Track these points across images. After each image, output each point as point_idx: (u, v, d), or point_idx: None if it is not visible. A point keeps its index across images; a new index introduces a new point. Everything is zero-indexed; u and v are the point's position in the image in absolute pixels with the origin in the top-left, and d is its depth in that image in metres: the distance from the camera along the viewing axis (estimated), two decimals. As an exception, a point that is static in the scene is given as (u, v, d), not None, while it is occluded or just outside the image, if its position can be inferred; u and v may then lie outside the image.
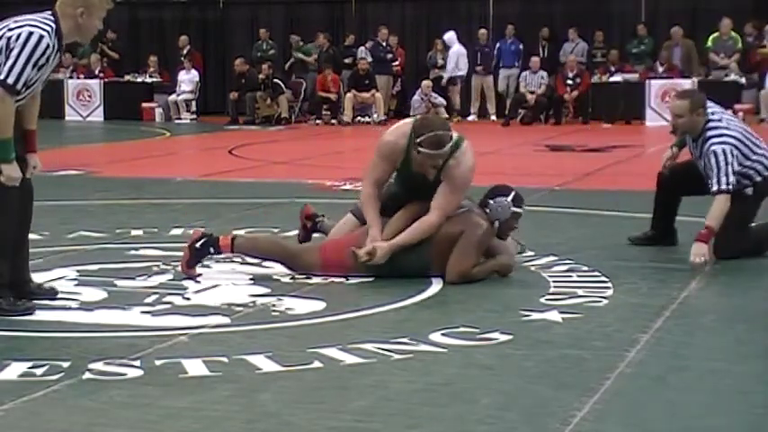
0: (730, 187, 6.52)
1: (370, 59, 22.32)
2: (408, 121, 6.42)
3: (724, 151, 6.55)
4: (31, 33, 5.23)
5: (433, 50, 22.88)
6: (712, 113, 6.76)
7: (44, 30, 5.26)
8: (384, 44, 22.65)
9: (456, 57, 22.06)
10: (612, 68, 21.52)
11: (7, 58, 5.21)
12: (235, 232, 7.64)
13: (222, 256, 6.45)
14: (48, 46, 5.25)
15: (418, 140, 6.11)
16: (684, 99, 6.82)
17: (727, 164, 6.53)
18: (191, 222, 8.33)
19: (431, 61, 22.77)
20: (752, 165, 6.69)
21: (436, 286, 6.08)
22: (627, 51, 21.85)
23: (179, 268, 6.34)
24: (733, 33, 20.45)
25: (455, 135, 6.24)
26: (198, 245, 6.25)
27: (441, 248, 6.13)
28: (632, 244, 7.17)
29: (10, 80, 5.19)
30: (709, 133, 6.64)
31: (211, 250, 6.28)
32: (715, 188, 6.54)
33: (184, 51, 23.66)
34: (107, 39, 24.20)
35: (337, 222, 6.76)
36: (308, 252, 6.38)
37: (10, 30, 5.27)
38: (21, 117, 5.46)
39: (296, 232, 7.80)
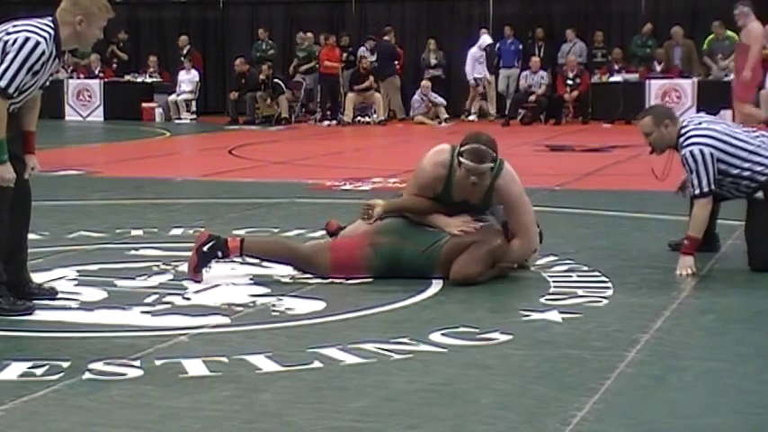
0: (706, 189, 6.36)
1: (372, 59, 22.35)
2: (446, 147, 6.33)
3: (692, 153, 6.37)
4: (27, 39, 5.23)
5: (426, 51, 22.89)
6: (690, 120, 6.63)
7: (42, 36, 5.26)
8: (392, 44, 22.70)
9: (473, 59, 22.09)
10: (617, 67, 21.52)
11: (2, 62, 5.22)
12: (235, 232, 7.66)
13: (229, 259, 6.37)
14: (44, 52, 5.25)
15: (461, 149, 6.13)
16: (646, 116, 6.68)
17: (697, 165, 6.35)
18: (191, 222, 8.33)
19: (424, 62, 22.80)
20: (749, 166, 6.45)
21: (436, 286, 6.07)
22: (631, 53, 21.82)
23: (184, 269, 6.29)
24: (729, 33, 20.43)
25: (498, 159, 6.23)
26: (205, 248, 6.15)
27: (451, 255, 6.11)
28: (672, 250, 6.91)
29: (2, 83, 5.19)
30: (681, 139, 6.48)
31: (219, 254, 6.16)
32: (693, 192, 6.44)
33: (184, 51, 23.66)
34: (118, 39, 24.20)
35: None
36: (318, 253, 6.27)
37: (8, 34, 5.28)
38: (20, 118, 5.46)
39: (296, 232, 7.82)
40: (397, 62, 22.73)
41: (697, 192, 6.41)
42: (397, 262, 6.16)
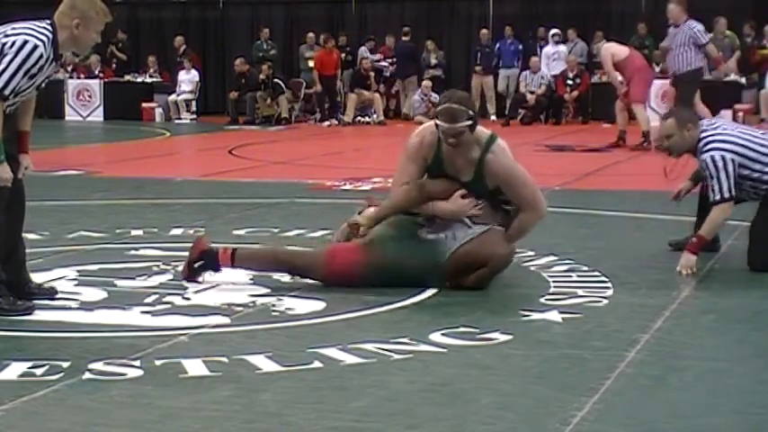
0: (726, 195, 6.35)
1: (373, 59, 22.39)
2: (430, 123, 6.12)
3: (713, 158, 6.36)
4: (25, 42, 5.22)
5: (426, 51, 22.90)
6: (709, 123, 6.63)
7: (40, 39, 5.25)
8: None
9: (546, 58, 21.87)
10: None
11: None
12: (235, 232, 7.65)
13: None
14: (41, 56, 5.24)
15: (436, 110, 5.98)
16: (670, 117, 6.65)
17: (718, 170, 6.35)
18: (191, 222, 8.33)
19: (424, 62, 22.82)
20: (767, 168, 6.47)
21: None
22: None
23: (179, 269, 6.29)
24: (728, 32, 20.42)
25: (488, 132, 6.05)
26: (196, 266, 6.03)
27: (458, 265, 5.92)
28: (673, 249, 6.93)
29: None
30: (702, 143, 6.47)
31: (210, 273, 6.03)
32: (713, 198, 6.40)
33: (181, 51, 23.66)
34: (117, 39, 24.19)
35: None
36: (312, 264, 6.05)
37: (6, 36, 5.27)
38: (15, 119, 5.46)
39: (296, 232, 7.82)
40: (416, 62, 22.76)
41: (718, 197, 6.38)
42: (398, 278, 5.91)
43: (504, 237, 6.04)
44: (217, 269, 6.04)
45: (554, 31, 21.88)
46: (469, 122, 5.90)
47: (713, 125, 6.62)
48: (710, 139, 6.46)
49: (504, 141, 6.14)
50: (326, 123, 21.53)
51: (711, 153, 6.40)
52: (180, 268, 6.30)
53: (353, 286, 5.91)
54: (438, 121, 5.92)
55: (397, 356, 4.68)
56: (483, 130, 6.06)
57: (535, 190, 6.05)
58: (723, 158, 6.37)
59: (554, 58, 21.74)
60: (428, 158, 6.07)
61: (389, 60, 23.02)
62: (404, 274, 5.92)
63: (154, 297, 5.83)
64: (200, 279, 6.06)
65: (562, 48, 21.79)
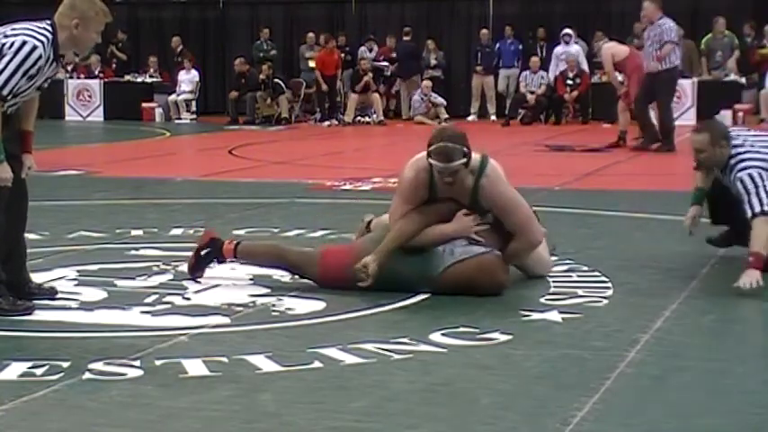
0: (766, 208, 6.19)
1: (370, 56, 22.41)
2: (423, 153, 5.96)
3: (751, 175, 6.25)
4: (24, 43, 5.22)
5: (426, 51, 22.90)
6: (737, 136, 6.49)
7: (39, 40, 5.25)
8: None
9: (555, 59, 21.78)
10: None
11: None
12: (235, 232, 7.65)
13: (226, 264, 6.29)
14: (40, 57, 5.24)
15: (429, 149, 5.84)
16: (704, 132, 6.47)
17: (756, 186, 6.22)
18: (191, 222, 8.33)
19: (424, 62, 22.82)
20: None
21: (436, 286, 6.06)
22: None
23: (184, 269, 6.28)
24: (727, 32, 20.43)
25: (478, 156, 5.94)
26: (203, 253, 6.17)
27: (450, 283, 5.84)
28: (715, 245, 6.84)
29: None
30: (732, 161, 6.35)
31: (215, 262, 6.18)
32: (750, 213, 6.23)
33: (178, 51, 23.66)
34: (117, 39, 24.19)
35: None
36: (307, 263, 6.07)
37: (6, 36, 5.27)
38: (18, 119, 5.47)
39: (296, 232, 7.82)
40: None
41: (758, 209, 6.19)
42: (389, 284, 5.84)
43: (502, 261, 5.96)
44: (221, 260, 6.19)
45: (566, 30, 21.82)
46: (465, 160, 5.81)
47: (740, 137, 6.47)
48: (745, 156, 6.35)
49: (495, 162, 6.07)
50: (326, 123, 21.53)
51: (749, 171, 6.28)
52: (180, 268, 6.32)
53: (345, 288, 5.88)
54: (432, 161, 5.82)
55: (397, 356, 4.68)
56: (473, 156, 5.93)
57: (528, 217, 5.99)
58: (760, 175, 6.26)
59: (562, 58, 21.68)
60: (424, 197, 6.00)
61: (389, 60, 23.02)
62: (395, 280, 5.85)
63: (154, 297, 5.83)
64: (205, 269, 6.17)
65: (573, 48, 21.72)
